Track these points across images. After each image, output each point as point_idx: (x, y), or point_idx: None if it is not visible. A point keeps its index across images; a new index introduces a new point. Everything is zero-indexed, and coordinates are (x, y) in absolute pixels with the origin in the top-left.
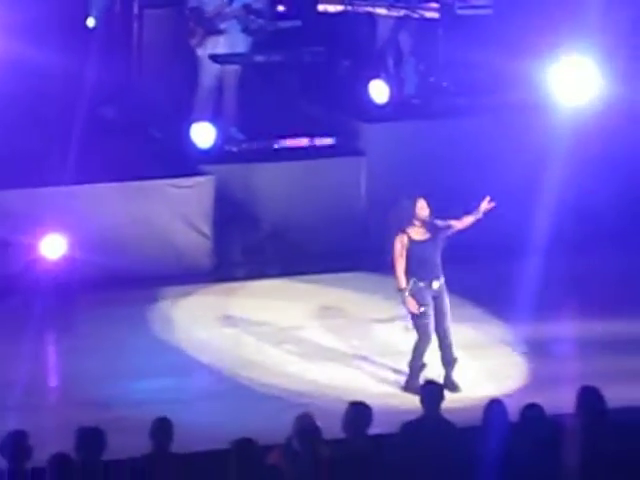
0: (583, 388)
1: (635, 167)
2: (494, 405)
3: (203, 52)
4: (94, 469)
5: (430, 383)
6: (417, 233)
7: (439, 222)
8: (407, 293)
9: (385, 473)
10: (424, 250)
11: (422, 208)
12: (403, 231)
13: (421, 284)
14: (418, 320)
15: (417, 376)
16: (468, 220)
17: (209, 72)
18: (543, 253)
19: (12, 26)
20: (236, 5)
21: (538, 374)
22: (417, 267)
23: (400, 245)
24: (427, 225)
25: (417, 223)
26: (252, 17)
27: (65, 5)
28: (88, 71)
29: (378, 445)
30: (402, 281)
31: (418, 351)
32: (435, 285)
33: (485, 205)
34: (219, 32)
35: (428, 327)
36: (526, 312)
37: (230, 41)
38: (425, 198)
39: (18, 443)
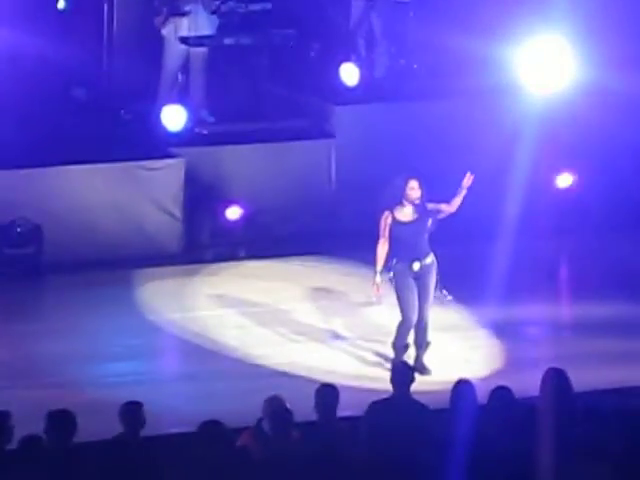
0: (549, 370)
1: (611, 151)
2: (462, 385)
3: (167, 33)
4: (65, 451)
5: (400, 364)
6: (404, 214)
7: (430, 205)
8: (377, 278)
9: (354, 454)
10: (407, 231)
11: (413, 189)
12: (389, 210)
13: (401, 264)
14: (400, 300)
15: (401, 357)
16: (456, 202)
17: (173, 53)
18: (514, 237)
19: None
20: None
21: (510, 357)
22: (398, 247)
23: (384, 224)
24: (416, 206)
25: (406, 203)
26: (217, 2)
27: None
28: (59, 53)
29: (349, 426)
30: (378, 263)
31: (400, 331)
32: (415, 266)
33: (466, 181)
34: (183, 14)
35: (409, 307)
36: (498, 295)
37: (195, 23)
38: (418, 179)
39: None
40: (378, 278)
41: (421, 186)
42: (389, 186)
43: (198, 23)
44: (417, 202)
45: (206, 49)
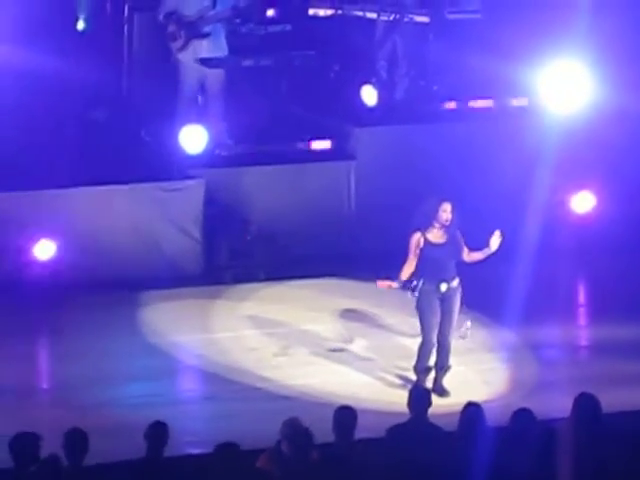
0: (581, 395)
1: (630, 171)
2: (470, 408)
3: (184, 56)
4: (83, 472)
5: (418, 388)
6: (434, 235)
7: (459, 236)
8: (394, 284)
9: (372, 477)
10: (437, 253)
11: (445, 211)
12: (421, 231)
13: (428, 285)
14: (422, 321)
15: (423, 379)
16: (476, 257)
17: (190, 76)
18: (534, 258)
19: (2, 30)
20: (220, 9)
21: (528, 379)
22: (426, 268)
23: (415, 243)
24: (447, 229)
25: (437, 225)
26: (238, 20)
27: (55, 8)
28: (78, 74)
29: (366, 449)
30: (403, 273)
31: (421, 353)
32: (443, 287)
33: (496, 240)
34: (203, 36)
35: (430, 329)
36: (517, 317)
37: (213, 45)
38: (452, 203)
39: (30, 445)
40: (395, 284)
41: (454, 210)
42: (422, 206)
43: (216, 45)
44: (447, 224)
45: (222, 70)
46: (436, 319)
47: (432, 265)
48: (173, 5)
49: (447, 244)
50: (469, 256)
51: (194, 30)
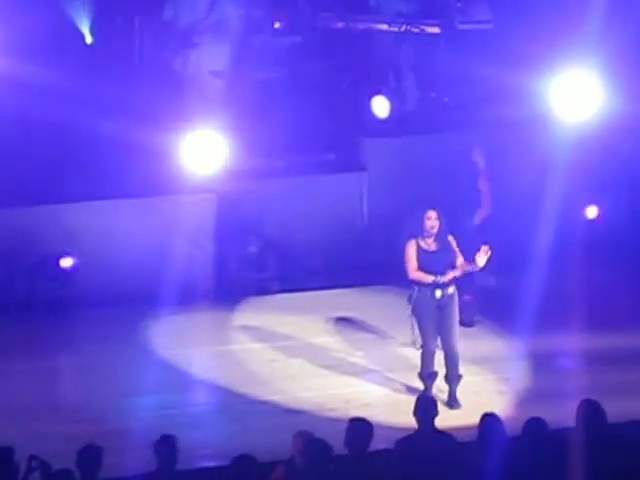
0: (583, 402)
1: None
2: (488, 419)
3: (182, 66)
4: None
5: (423, 398)
6: (427, 243)
7: (452, 241)
8: (439, 277)
9: None
10: (431, 260)
11: (429, 218)
12: (415, 238)
13: (423, 293)
14: (420, 328)
15: (430, 385)
16: (465, 267)
17: (191, 87)
18: (546, 267)
19: (10, 44)
20: (214, 19)
21: (542, 388)
22: None
23: (411, 251)
24: (437, 236)
25: (426, 233)
26: (232, 31)
27: (63, 22)
28: (87, 87)
29: (376, 461)
30: (428, 277)
31: (423, 359)
32: (437, 294)
33: (482, 255)
34: (194, 46)
35: (428, 335)
36: (529, 326)
37: (212, 55)
38: (436, 210)
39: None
40: (439, 277)
41: (439, 217)
42: (410, 218)
43: (216, 55)
44: (434, 231)
45: (222, 81)
46: (434, 325)
47: (426, 272)
48: (169, 15)
49: (439, 251)
50: (460, 266)
51: (186, 40)
